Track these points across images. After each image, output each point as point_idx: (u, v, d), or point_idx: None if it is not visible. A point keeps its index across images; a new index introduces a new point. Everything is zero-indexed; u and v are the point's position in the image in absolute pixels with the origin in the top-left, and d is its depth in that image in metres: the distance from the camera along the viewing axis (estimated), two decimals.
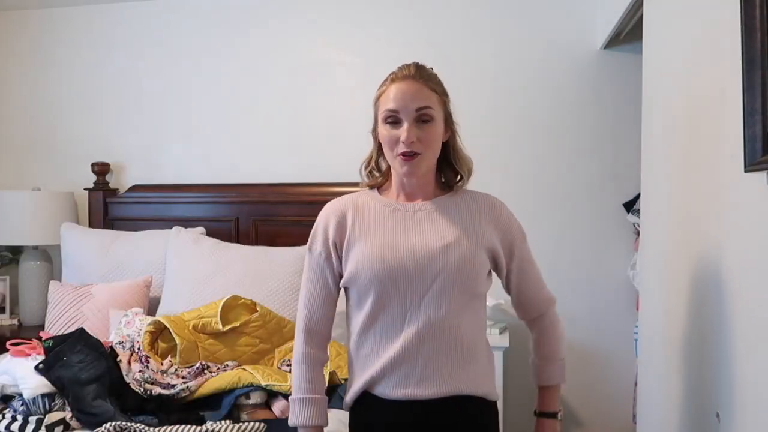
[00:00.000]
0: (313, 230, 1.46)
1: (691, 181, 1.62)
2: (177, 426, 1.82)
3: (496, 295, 2.58)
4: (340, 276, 1.43)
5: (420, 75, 1.37)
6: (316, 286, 1.44)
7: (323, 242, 1.43)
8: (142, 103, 3.40)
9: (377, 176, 1.48)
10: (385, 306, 1.36)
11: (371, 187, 1.49)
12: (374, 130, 1.45)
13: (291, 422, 1.44)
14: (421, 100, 1.34)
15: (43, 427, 1.83)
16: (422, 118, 1.34)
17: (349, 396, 1.44)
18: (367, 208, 1.43)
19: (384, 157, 1.43)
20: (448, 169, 1.47)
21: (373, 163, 1.48)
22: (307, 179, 3.15)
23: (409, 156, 1.34)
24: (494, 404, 1.45)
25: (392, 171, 1.44)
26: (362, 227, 1.41)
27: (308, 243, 1.46)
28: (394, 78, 1.38)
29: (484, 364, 1.43)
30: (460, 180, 1.47)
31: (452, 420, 1.37)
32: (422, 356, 1.35)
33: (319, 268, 1.43)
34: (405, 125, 1.34)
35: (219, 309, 2.34)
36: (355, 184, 3.23)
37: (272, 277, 2.67)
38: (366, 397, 1.41)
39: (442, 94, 1.40)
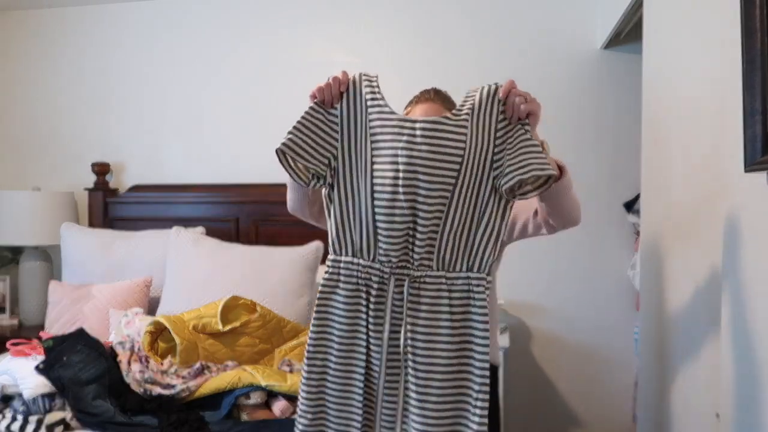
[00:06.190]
0: None
1: (691, 181, 1.62)
2: None
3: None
4: None
5: (437, 98, 1.68)
6: None
7: None
8: (142, 103, 3.40)
9: None
10: None
11: None
12: None
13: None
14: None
15: (43, 427, 1.83)
16: None
17: None
18: None
19: None
20: None
21: None
22: None
23: None
24: (494, 369, 1.63)
25: None
26: None
27: None
28: (417, 100, 1.70)
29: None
30: None
31: None
32: None
33: None
34: None
35: (219, 309, 2.34)
36: None
37: (272, 277, 2.66)
38: None
39: None
